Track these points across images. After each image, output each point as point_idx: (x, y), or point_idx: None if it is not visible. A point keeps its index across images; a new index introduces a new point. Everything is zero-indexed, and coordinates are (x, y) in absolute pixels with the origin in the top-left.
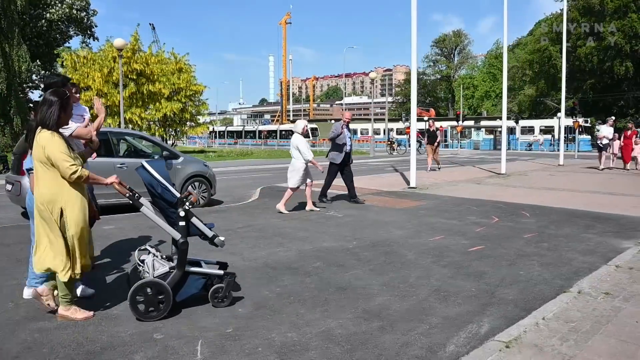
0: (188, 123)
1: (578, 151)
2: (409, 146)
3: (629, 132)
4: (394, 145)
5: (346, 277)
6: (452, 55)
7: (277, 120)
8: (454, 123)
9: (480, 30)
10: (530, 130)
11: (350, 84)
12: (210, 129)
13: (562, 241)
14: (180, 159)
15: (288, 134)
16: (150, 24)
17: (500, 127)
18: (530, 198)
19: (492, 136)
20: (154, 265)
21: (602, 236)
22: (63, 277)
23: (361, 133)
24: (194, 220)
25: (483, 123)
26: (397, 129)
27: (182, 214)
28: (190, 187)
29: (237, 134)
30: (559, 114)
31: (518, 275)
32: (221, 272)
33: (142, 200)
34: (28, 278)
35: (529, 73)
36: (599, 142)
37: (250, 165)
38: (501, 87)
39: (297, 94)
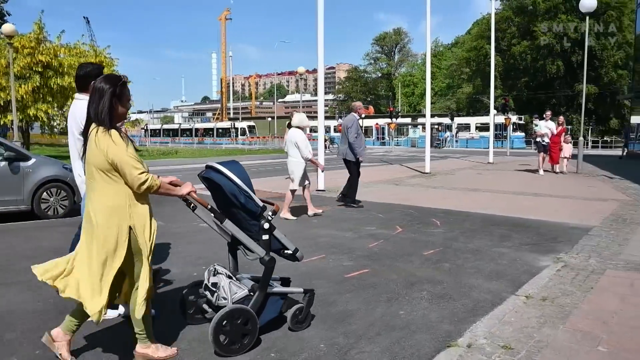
0: None
1: (511, 148)
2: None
3: (558, 129)
4: (326, 143)
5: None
6: (392, 53)
7: (217, 119)
8: (389, 120)
9: (422, 29)
10: (466, 127)
11: (294, 81)
12: (142, 126)
13: (468, 259)
14: (31, 161)
15: (225, 132)
16: (84, 18)
17: (438, 124)
18: (447, 201)
19: (448, 133)
20: (231, 288)
21: (518, 250)
22: (95, 316)
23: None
24: (276, 232)
25: (420, 120)
26: (334, 126)
27: (266, 226)
28: (45, 193)
29: (174, 132)
30: (493, 111)
31: (395, 317)
32: (301, 289)
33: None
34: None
35: (466, 71)
36: (539, 140)
37: (167, 166)
38: (440, 85)
39: (240, 92)
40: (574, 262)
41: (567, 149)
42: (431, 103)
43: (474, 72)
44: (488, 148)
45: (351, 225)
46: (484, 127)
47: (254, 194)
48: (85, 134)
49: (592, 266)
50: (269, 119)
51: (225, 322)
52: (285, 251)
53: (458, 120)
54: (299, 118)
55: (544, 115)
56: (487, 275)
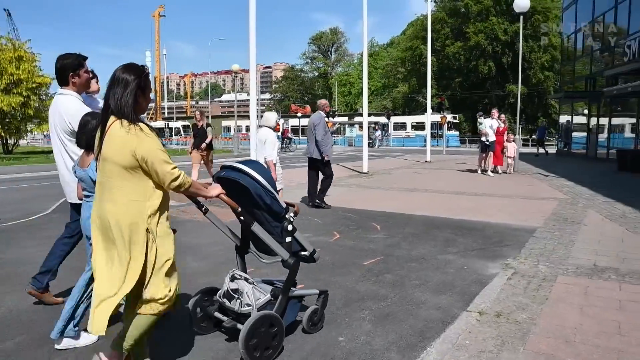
0: (34, 120)
1: (446, 147)
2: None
3: (500, 128)
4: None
5: None
6: (329, 53)
7: (152, 118)
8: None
9: (358, 30)
10: (402, 126)
11: (230, 80)
12: None
13: (413, 269)
14: None
15: (159, 132)
16: (5, 10)
17: (374, 123)
18: (387, 203)
19: (378, 133)
20: (254, 294)
21: (465, 256)
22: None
23: (238, 130)
24: (297, 234)
25: (357, 119)
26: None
27: (289, 228)
28: None
29: None
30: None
31: (333, 346)
32: (316, 291)
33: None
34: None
35: (402, 70)
36: (483, 139)
37: None
38: (376, 85)
39: (175, 91)
40: (524, 269)
41: (512, 149)
42: (368, 102)
43: (409, 71)
44: (424, 146)
45: None
46: (419, 126)
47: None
48: (102, 128)
49: (542, 272)
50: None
51: (256, 329)
52: (302, 252)
53: (394, 119)
54: (265, 117)
55: (491, 113)
56: (434, 288)
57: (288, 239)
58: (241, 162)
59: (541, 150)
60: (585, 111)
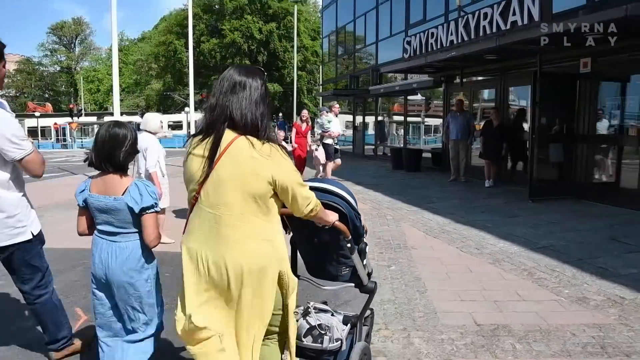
0: None
1: None
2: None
3: (303, 127)
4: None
5: None
6: (72, 45)
7: None
8: (70, 119)
9: (105, 24)
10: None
11: None
12: None
13: None
14: None
15: None
16: None
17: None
18: None
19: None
20: (339, 326)
21: None
22: None
23: None
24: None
25: (107, 119)
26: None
27: (367, 249)
28: None
29: None
30: (187, 109)
31: None
32: (369, 311)
33: None
34: None
35: (155, 67)
36: (330, 141)
37: None
38: (128, 82)
39: None
40: (397, 350)
41: (321, 154)
42: (120, 100)
43: (163, 68)
44: (183, 147)
45: None
46: (177, 125)
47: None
48: (216, 144)
49: (424, 355)
50: None
51: None
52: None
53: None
54: (146, 119)
55: (330, 104)
56: None
57: (365, 261)
58: (324, 181)
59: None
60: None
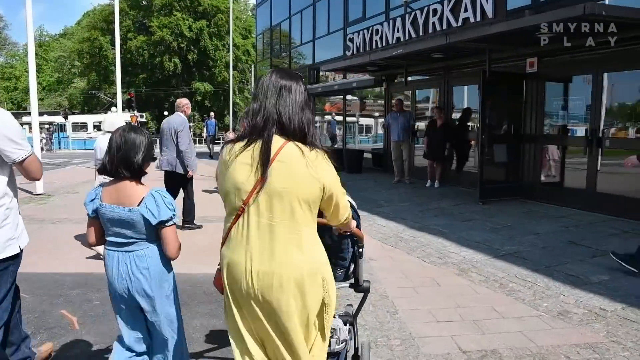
0: None
1: None
2: None
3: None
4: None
5: None
6: None
7: None
8: None
9: (22, 17)
10: (83, 126)
11: None
12: None
13: None
14: None
15: None
16: None
17: (49, 123)
18: (81, 253)
19: (43, 135)
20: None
21: None
22: None
23: None
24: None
25: (25, 119)
26: None
27: (365, 250)
28: None
29: None
30: (113, 109)
31: None
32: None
33: None
34: None
35: (78, 64)
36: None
37: None
38: (48, 80)
39: None
40: None
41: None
42: (39, 99)
43: (87, 65)
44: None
45: None
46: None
47: None
48: (267, 152)
49: None
50: None
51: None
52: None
53: (73, 118)
54: (109, 121)
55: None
56: None
57: (360, 261)
58: None
59: (217, 149)
60: None
